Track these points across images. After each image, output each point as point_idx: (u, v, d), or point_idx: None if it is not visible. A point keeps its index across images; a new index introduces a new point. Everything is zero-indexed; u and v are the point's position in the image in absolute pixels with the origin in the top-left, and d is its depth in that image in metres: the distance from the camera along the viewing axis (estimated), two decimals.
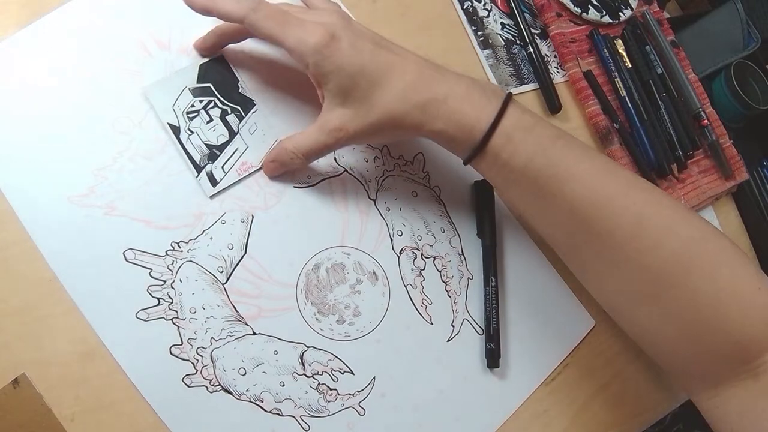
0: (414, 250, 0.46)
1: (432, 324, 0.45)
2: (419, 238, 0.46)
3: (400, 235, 0.46)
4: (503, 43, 0.56)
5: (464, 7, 0.55)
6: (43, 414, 0.35)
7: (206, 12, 0.39)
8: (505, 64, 0.55)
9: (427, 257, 0.46)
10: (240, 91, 0.44)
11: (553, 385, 0.48)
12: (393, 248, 0.46)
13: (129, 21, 0.43)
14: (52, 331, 0.36)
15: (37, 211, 0.38)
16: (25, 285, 0.37)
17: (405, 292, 0.45)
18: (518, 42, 0.57)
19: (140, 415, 0.37)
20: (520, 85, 0.55)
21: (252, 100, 0.44)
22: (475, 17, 0.55)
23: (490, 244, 0.47)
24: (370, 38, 0.39)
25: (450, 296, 0.46)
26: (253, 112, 0.44)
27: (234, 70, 0.44)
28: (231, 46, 0.44)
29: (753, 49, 0.65)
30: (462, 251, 0.48)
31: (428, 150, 0.49)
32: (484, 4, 0.57)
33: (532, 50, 0.56)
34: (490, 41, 0.55)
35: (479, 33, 0.55)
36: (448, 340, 0.45)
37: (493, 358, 0.45)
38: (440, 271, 0.46)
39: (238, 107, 0.44)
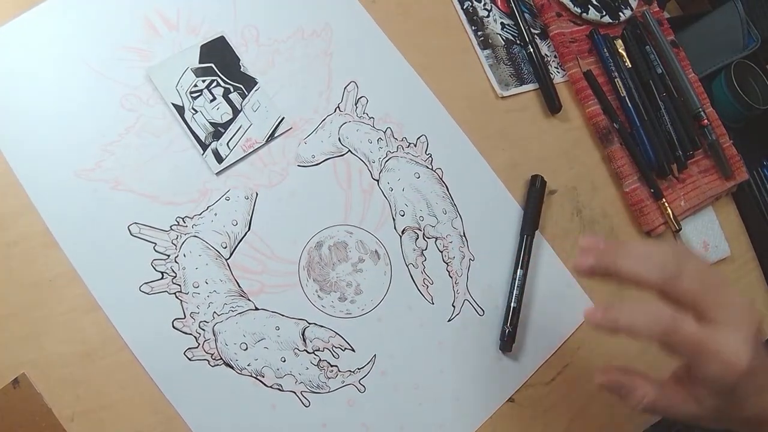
0: (416, 230, 0.46)
1: (433, 304, 0.45)
2: (421, 218, 0.47)
3: (402, 215, 0.46)
4: (503, 43, 0.56)
5: (464, 7, 0.55)
6: (43, 414, 0.35)
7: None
8: (505, 64, 0.55)
9: (428, 237, 0.47)
10: (242, 69, 0.44)
11: (553, 385, 0.48)
12: (395, 228, 0.46)
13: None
14: (52, 331, 0.37)
15: (44, 183, 0.38)
16: (25, 285, 0.37)
17: (406, 271, 0.45)
18: (518, 42, 0.56)
19: (140, 415, 0.37)
20: (520, 85, 0.55)
21: (254, 78, 0.45)
22: (475, 17, 0.55)
23: (530, 235, 0.48)
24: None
25: (451, 277, 0.46)
26: (256, 90, 0.44)
27: (235, 50, 0.45)
28: None
29: (753, 49, 0.65)
30: (463, 233, 0.48)
31: (431, 132, 0.49)
32: (484, 4, 0.56)
33: (532, 50, 0.55)
34: (490, 41, 0.55)
35: (479, 33, 0.55)
36: (449, 320, 0.45)
37: (508, 340, 0.45)
38: (441, 252, 0.47)
39: (241, 85, 0.44)
